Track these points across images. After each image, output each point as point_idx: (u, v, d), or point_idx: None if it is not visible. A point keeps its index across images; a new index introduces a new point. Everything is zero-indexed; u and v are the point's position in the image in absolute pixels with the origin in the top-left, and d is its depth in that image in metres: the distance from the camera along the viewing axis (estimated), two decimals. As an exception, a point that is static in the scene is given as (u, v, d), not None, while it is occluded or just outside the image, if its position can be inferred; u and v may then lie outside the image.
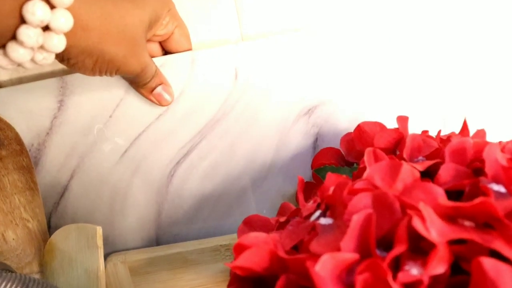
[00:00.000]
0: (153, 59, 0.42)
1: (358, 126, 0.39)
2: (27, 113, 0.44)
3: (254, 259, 0.25)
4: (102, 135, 0.44)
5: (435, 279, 0.23)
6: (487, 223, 0.24)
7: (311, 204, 0.31)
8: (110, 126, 0.44)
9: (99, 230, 0.37)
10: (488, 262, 0.21)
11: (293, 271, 0.25)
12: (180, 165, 0.45)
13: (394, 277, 0.22)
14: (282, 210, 0.39)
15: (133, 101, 0.44)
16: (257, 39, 0.44)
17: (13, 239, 0.42)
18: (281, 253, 0.25)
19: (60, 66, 0.45)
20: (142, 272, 0.46)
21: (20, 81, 0.45)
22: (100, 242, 0.37)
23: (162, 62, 0.44)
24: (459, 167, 0.28)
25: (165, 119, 0.45)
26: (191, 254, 0.46)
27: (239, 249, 0.26)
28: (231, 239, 0.46)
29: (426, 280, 0.22)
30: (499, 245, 0.21)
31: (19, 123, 0.44)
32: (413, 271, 0.22)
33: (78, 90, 0.44)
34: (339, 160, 0.42)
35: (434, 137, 0.36)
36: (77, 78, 0.44)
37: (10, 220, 0.42)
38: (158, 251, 0.46)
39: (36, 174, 0.44)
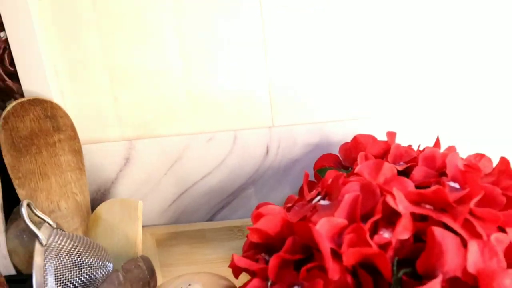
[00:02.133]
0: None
1: (355, 137, 0.48)
2: (99, 165, 0.55)
3: (269, 224, 0.34)
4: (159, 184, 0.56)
5: (401, 243, 0.31)
6: (442, 208, 0.33)
7: (313, 192, 0.40)
8: (166, 178, 0.55)
9: (140, 204, 0.46)
10: (437, 230, 0.29)
11: (298, 234, 0.33)
12: (215, 216, 0.57)
13: (371, 238, 0.30)
14: (288, 201, 0.48)
15: (186, 163, 0.55)
16: (283, 126, 0.54)
17: (65, 208, 0.50)
18: (291, 220, 0.34)
19: (131, 133, 0.55)
20: (166, 244, 0.55)
21: (99, 140, 0.55)
22: (140, 214, 0.45)
23: (210, 137, 0.54)
24: (428, 170, 0.37)
25: (209, 178, 0.55)
26: (208, 232, 0.55)
27: (258, 216, 0.35)
28: (243, 222, 0.55)
29: (394, 242, 0.30)
30: (446, 219, 0.30)
31: (92, 171, 0.55)
32: (385, 235, 0.31)
33: (141, 152, 0.55)
34: (337, 164, 0.50)
35: (416, 150, 0.45)
36: (143, 143, 0.54)
37: (64, 192, 0.51)
38: (180, 228, 0.55)
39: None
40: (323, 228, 0.31)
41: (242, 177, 0.56)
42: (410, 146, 0.47)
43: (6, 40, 0.52)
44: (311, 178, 0.53)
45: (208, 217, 0.58)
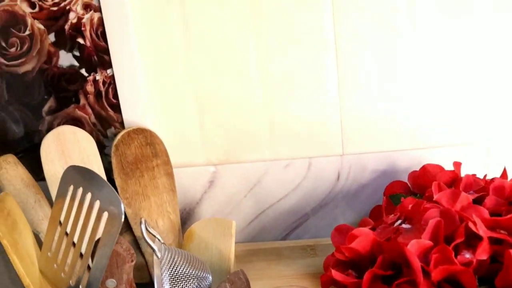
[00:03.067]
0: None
1: (424, 166, 0.53)
2: (186, 187, 0.62)
3: (362, 244, 0.40)
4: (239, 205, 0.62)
5: (479, 263, 0.36)
6: (515, 233, 0.38)
7: (392, 216, 0.45)
8: (245, 200, 0.61)
9: (234, 223, 0.52)
10: (514, 252, 0.34)
11: (387, 252, 0.39)
12: (289, 235, 0.63)
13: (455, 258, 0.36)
14: (362, 223, 0.53)
15: (264, 186, 0.61)
16: (353, 154, 0.60)
17: (162, 225, 0.57)
18: (381, 240, 0.39)
19: (215, 159, 0.62)
20: (244, 260, 0.61)
21: (187, 164, 0.62)
22: (233, 231, 0.52)
23: (287, 163, 0.60)
24: (499, 199, 0.42)
25: (285, 201, 0.61)
26: (283, 250, 0.60)
27: (352, 237, 0.41)
28: (315, 241, 0.60)
29: (474, 261, 0.36)
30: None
31: (179, 192, 0.61)
32: (467, 255, 0.36)
33: (224, 176, 0.61)
34: (406, 190, 0.56)
35: (481, 178, 0.50)
36: (226, 168, 0.61)
37: (160, 211, 0.58)
38: (258, 246, 0.61)
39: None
40: (413, 247, 0.36)
41: (315, 200, 0.62)
42: (474, 175, 0.52)
43: (112, 76, 0.60)
44: (380, 200, 0.59)
45: (283, 236, 0.63)
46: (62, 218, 0.40)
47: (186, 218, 0.64)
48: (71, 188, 0.40)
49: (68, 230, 0.40)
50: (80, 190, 0.40)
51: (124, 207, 0.53)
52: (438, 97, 0.58)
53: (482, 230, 0.36)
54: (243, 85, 0.60)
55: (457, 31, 0.56)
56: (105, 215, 0.37)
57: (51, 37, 0.60)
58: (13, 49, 0.61)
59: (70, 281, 0.39)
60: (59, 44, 0.60)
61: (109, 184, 0.38)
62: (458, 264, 0.35)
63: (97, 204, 0.38)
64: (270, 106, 0.60)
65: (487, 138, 0.59)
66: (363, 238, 0.40)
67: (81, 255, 0.40)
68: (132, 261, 0.39)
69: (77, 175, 0.40)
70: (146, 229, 0.47)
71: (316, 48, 0.57)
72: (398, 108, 0.59)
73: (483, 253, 0.36)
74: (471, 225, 0.36)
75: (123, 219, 0.36)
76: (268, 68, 0.59)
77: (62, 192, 0.41)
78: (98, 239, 0.38)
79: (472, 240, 0.37)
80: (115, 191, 0.37)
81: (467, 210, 0.39)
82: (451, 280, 0.36)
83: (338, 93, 0.59)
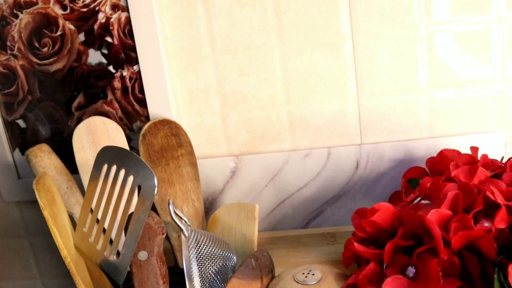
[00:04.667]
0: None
1: (441, 151, 0.55)
2: (209, 177, 0.64)
3: (383, 217, 0.41)
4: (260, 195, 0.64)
5: (499, 232, 0.38)
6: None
7: (411, 196, 0.47)
8: (266, 190, 0.64)
9: (257, 206, 0.54)
10: (532, 219, 0.36)
11: (408, 224, 0.40)
12: (309, 224, 0.65)
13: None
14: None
15: (285, 176, 0.63)
16: (371, 144, 0.62)
17: (186, 212, 0.59)
18: (402, 213, 0.41)
19: (237, 150, 0.65)
20: (266, 248, 0.62)
21: (210, 155, 0.65)
22: (257, 215, 0.53)
23: (307, 153, 0.62)
24: (516, 175, 0.44)
25: (305, 190, 0.63)
26: (304, 238, 0.62)
27: (373, 211, 0.42)
28: (335, 229, 0.62)
29: (493, 230, 0.37)
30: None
31: (203, 182, 0.64)
32: (485, 224, 0.37)
33: (246, 166, 0.64)
34: (423, 175, 0.57)
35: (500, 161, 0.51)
36: (247, 158, 0.63)
37: (185, 198, 0.60)
38: (279, 234, 0.63)
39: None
40: (433, 216, 0.37)
41: (335, 188, 0.63)
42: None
43: (138, 72, 0.63)
44: (398, 188, 0.60)
45: (303, 224, 0.65)
46: (96, 195, 0.43)
47: (208, 208, 0.66)
48: (105, 166, 0.43)
49: (103, 206, 0.42)
50: (114, 168, 0.42)
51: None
52: (453, 88, 0.60)
53: (499, 199, 0.37)
54: (265, 82, 0.62)
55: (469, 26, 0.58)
56: (139, 189, 0.39)
57: (81, 37, 0.63)
58: (45, 49, 0.65)
59: (105, 253, 0.41)
60: (88, 43, 0.64)
61: (142, 160, 0.40)
62: (478, 230, 0.36)
63: (130, 179, 0.40)
64: (291, 100, 0.62)
65: (504, 127, 0.60)
66: (384, 211, 0.41)
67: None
68: (163, 234, 0.41)
69: (111, 154, 0.43)
70: (174, 210, 0.49)
71: (334, 44, 0.60)
72: (413, 99, 0.60)
73: (501, 222, 0.37)
74: (489, 194, 0.37)
75: (156, 191, 0.39)
76: (288, 65, 0.61)
77: (96, 170, 0.43)
78: (131, 214, 0.41)
79: (491, 211, 0.38)
80: (148, 166, 0.39)
81: (485, 184, 0.41)
82: (471, 248, 0.37)
83: (355, 87, 0.61)
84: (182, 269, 0.48)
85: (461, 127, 0.61)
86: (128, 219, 0.40)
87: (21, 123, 0.68)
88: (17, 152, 0.69)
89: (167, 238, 0.58)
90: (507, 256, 0.37)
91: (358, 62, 0.60)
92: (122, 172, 0.41)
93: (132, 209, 0.41)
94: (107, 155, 0.43)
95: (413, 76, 0.60)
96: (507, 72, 0.59)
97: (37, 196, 0.40)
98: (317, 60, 0.60)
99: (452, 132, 0.61)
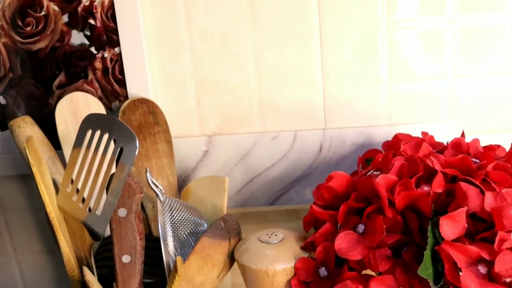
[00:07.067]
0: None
1: (396, 135, 0.61)
2: (182, 156, 0.68)
3: (338, 183, 0.47)
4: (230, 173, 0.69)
5: (436, 196, 0.43)
6: (467, 174, 0.45)
7: (366, 170, 0.52)
8: (236, 169, 0.68)
9: (227, 179, 0.58)
10: (463, 183, 0.41)
11: (360, 189, 0.46)
12: (276, 201, 0.69)
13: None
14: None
15: (253, 156, 0.68)
16: (334, 128, 0.67)
17: (161, 185, 0.63)
18: (355, 179, 0.46)
19: (209, 131, 0.69)
20: (235, 222, 0.67)
21: (184, 135, 0.69)
22: (227, 186, 0.58)
23: (274, 135, 0.67)
24: (456, 152, 0.50)
25: (272, 170, 0.68)
26: (270, 214, 0.67)
27: (329, 178, 0.47)
28: (299, 206, 0.67)
29: (431, 193, 0.43)
30: (469, 179, 0.42)
31: (176, 160, 0.67)
32: (425, 188, 0.43)
33: (218, 146, 0.68)
34: (379, 157, 0.63)
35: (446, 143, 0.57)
36: (219, 139, 0.67)
37: (160, 173, 0.64)
38: (247, 210, 0.67)
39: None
40: (381, 181, 0.43)
41: (299, 169, 0.68)
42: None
43: (119, 54, 0.67)
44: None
45: (270, 202, 0.70)
46: (80, 157, 0.46)
47: (182, 185, 0.70)
48: (89, 132, 0.47)
49: (86, 167, 0.46)
50: (97, 132, 0.46)
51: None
52: (410, 82, 0.66)
53: (437, 166, 0.43)
54: (238, 68, 0.67)
55: (425, 25, 0.64)
56: (121, 151, 0.43)
57: (65, 18, 0.67)
58: (28, 28, 0.68)
59: (87, 209, 0.45)
60: (71, 24, 0.67)
61: (125, 124, 0.44)
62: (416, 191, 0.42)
63: (113, 142, 0.44)
64: (262, 87, 0.67)
65: (453, 118, 0.67)
66: (339, 178, 0.47)
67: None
68: (141, 192, 0.45)
69: (95, 120, 0.47)
70: (151, 178, 0.53)
71: (303, 36, 0.65)
72: (374, 90, 0.66)
73: (438, 187, 0.43)
74: (428, 162, 0.43)
75: (137, 152, 0.43)
76: (261, 54, 0.66)
77: (80, 137, 0.47)
78: (113, 174, 0.45)
79: (432, 178, 0.44)
80: (130, 128, 0.43)
81: (427, 157, 0.46)
82: (412, 208, 0.43)
83: (322, 77, 0.66)
84: (156, 237, 0.52)
85: (415, 116, 0.67)
86: (110, 179, 0.44)
87: (1, 99, 0.70)
88: (-4, 127, 0.71)
89: (142, 208, 0.62)
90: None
91: (324, 54, 0.66)
92: (106, 136, 0.45)
93: (114, 170, 0.45)
94: (91, 121, 0.47)
95: (374, 69, 0.66)
96: (457, 69, 0.65)
97: (27, 152, 0.43)
98: (287, 50, 0.66)
99: (407, 120, 0.67)
